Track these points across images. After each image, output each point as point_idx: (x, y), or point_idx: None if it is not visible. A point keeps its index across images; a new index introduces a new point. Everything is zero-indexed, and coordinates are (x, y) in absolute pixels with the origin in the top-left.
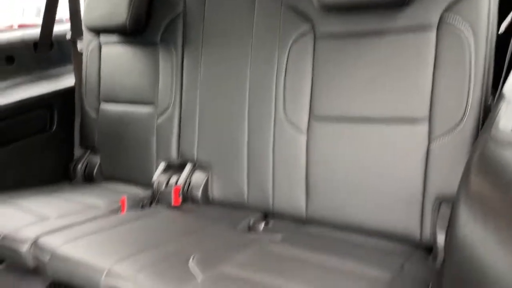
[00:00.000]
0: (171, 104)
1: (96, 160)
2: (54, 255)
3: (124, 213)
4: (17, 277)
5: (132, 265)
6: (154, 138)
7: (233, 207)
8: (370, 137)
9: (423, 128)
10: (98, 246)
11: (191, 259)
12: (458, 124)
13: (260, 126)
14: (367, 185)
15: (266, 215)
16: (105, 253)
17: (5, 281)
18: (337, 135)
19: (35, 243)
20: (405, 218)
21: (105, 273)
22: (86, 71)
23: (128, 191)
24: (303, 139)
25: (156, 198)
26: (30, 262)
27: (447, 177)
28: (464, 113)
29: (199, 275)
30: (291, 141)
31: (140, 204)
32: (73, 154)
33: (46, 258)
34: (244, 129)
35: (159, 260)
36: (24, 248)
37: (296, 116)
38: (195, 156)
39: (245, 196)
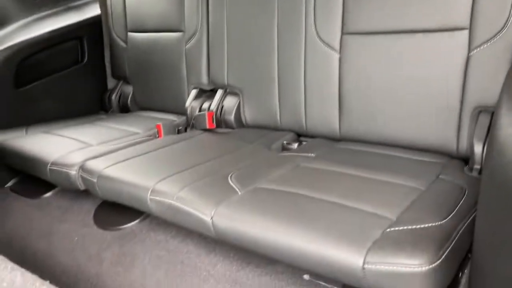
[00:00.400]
0: (198, 29)
1: (129, 90)
2: (101, 177)
3: (162, 137)
4: (69, 200)
5: (175, 183)
6: (184, 65)
7: (267, 129)
8: (406, 49)
9: (463, 37)
10: (141, 167)
11: (229, 176)
12: (500, 31)
13: (291, 46)
14: (403, 98)
15: (300, 135)
16: (148, 173)
17: (59, 204)
18: (371, 50)
19: (82, 167)
20: (442, 129)
21: (150, 190)
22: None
23: (163, 118)
24: (335, 56)
25: (190, 123)
26: (80, 185)
27: (487, 85)
28: (507, 20)
29: (239, 189)
30: (323, 59)
31: (176, 130)
32: (106, 85)
33: (94, 180)
34: (274, 50)
35: (200, 178)
36: (73, 171)
37: (327, 34)
38: (226, 81)
39: (278, 117)
